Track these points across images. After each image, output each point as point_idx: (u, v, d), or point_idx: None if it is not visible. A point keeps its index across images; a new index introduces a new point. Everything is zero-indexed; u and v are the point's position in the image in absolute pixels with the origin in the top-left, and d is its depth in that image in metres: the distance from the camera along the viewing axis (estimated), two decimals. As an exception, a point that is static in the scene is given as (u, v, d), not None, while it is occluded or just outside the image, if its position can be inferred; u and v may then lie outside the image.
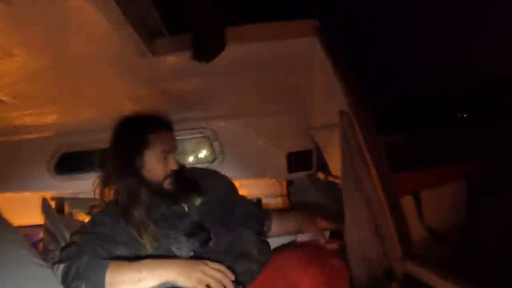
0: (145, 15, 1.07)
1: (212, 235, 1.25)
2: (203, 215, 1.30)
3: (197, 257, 1.17)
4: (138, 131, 1.29)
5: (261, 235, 1.45)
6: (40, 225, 1.66)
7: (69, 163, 1.86)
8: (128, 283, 1.01)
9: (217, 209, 1.40)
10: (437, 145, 2.16)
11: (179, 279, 0.99)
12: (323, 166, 1.86)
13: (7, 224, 1.25)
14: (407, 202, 1.43)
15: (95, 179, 1.35)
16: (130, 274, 1.01)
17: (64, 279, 1.09)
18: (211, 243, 1.24)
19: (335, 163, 1.67)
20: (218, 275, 0.99)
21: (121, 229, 1.20)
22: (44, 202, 1.56)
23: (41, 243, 1.54)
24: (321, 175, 1.86)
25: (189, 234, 1.22)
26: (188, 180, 1.34)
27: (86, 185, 1.79)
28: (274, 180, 1.92)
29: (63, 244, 1.37)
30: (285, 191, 2.03)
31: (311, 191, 1.95)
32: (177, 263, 1.04)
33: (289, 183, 2.03)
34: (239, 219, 1.43)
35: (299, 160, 1.81)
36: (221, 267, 1.03)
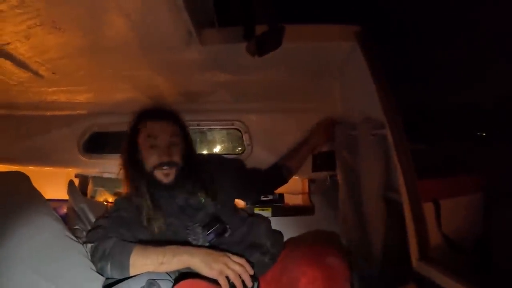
0: (201, 4, 1.09)
1: (228, 227, 1.27)
2: (219, 206, 1.33)
3: (212, 246, 1.20)
4: (133, 123, 1.38)
5: (284, 182, 1.68)
6: (63, 200, 1.70)
7: (98, 142, 1.90)
8: (151, 265, 1.05)
9: (232, 195, 1.46)
10: (456, 157, 2.18)
11: (201, 267, 1.02)
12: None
13: (41, 198, 1.29)
14: (428, 209, 1.46)
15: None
16: (154, 256, 1.05)
17: (91, 259, 1.14)
18: (226, 235, 1.26)
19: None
20: (238, 269, 1.02)
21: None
22: (70, 184, 1.61)
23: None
24: (343, 177, 1.88)
25: (205, 226, 1.26)
26: (198, 174, 1.37)
27: (112, 165, 1.84)
28: (297, 177, 1.95)
29: (87, 225, 1.43)
30: (306, 189, 2.07)
31: (331, 191, 1.98)
32: (202, 252, 1.07)
33: (311, 181, 2.06)
34: (254, 183, 1.56)
35: (324, 160, 1.83)
36: (242, 261, 1.06)
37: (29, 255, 1.04)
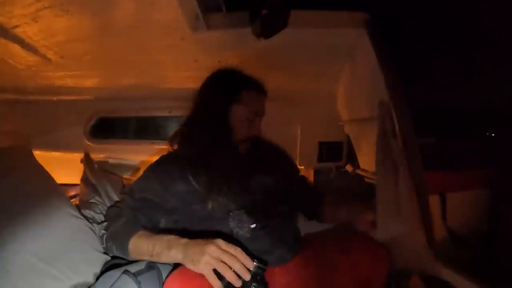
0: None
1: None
2: (267, 194, 1.20)
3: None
4: (233, 83, 1.23)
5: (313, 218, 1.40)
6: (68, 184, 1.72)
7: (105, 128, 1.91)
8: (144, 255, 0.99)
9: (281, 187, 1.28)
10: (465, 152, 2.16)
11: (186, 263, 0.90)
12: (352, 159, 1.87)
13: (45, 174, 1.31)
14: (434, 201, 1.45)
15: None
16: (145, 248, 0.98)
17: (102, 238, 1.12)
18: (267, 228, 1.12)
19: (364, 157, 1.69)
20: (227, 259, 0.85)
21: (175, 189, 1.12)
22: (86, 156, 1.66)
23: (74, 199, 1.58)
24: (349, 168, 1.88)
25: (251, 213, 1.11)
26: (263, 153, 1.29)
27: (118, 150, 1.86)
28: (302, 167, 1.94)
29: (105, 199, 1.45)
30: (311, 180, 2.04)
31: (336, 183, 1.97)
32: (187, 245, 0.92)
33: (316, 172, 2.04)
34: (296, 197, 1.33)
35: (330, 151, 1.83)
36: (234, 250, 0.87)
37: (26, 234, 1.03)
